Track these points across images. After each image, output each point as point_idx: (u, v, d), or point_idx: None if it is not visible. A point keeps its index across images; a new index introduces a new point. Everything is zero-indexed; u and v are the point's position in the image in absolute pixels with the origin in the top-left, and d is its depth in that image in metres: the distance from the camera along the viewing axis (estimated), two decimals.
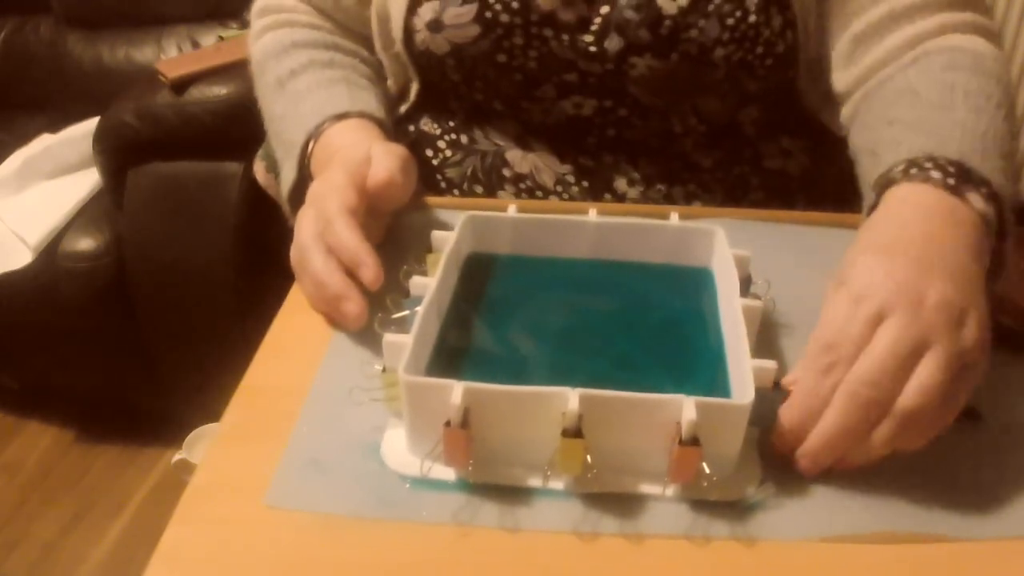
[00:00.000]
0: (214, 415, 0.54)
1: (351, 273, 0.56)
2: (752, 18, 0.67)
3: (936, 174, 0.54)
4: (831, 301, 0.48)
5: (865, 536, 0.45)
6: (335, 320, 0.58)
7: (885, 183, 0.56)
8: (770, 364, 0.47)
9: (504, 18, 0.70)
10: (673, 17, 0.67)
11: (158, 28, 1.82)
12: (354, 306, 0.55)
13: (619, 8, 0.68)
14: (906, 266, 0.47)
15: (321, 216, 0.58)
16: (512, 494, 0.46)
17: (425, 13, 0.72)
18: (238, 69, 1.39)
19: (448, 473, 0.47)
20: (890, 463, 0.48)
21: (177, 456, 1.36)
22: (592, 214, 0.61)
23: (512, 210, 0.62)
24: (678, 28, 0.67)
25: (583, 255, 0.62)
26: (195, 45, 1.77)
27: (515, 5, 0.69)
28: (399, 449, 0.49)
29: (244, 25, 1.72)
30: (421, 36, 0.73)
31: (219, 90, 1.38)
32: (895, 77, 0.67)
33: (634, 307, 0.58)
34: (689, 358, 0.53)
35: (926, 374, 0.44)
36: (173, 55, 1.77)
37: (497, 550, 0.44)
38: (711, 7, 0.67)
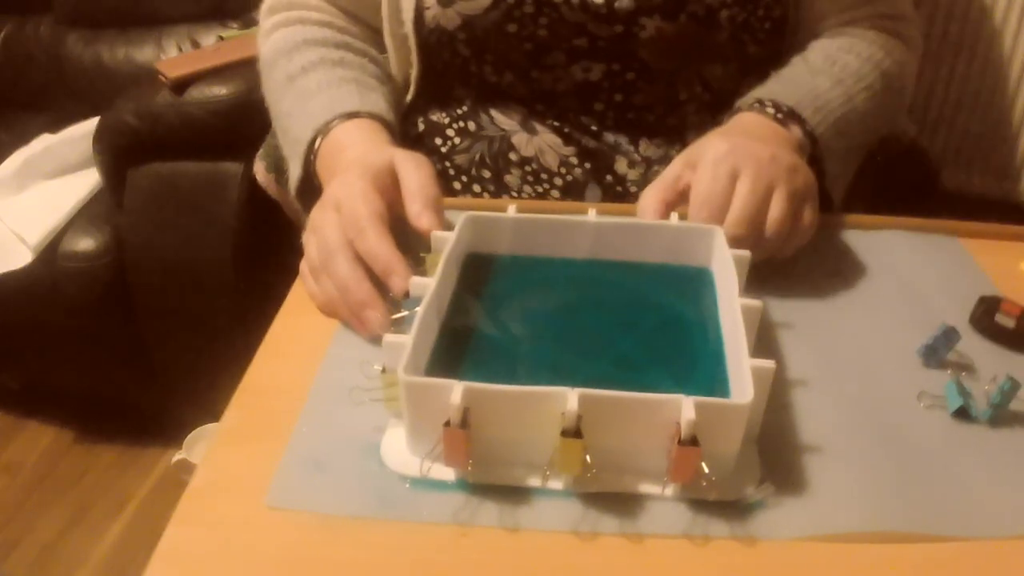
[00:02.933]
0: (214, 415, 0.54)
1: (375, 280, 0.56)
2: None
3: (770, 109, 0.70)
4: (702, 171, 0.60)
5: (865, 536, 0.45)
6: (352, 325, 0.58)
7: (734, 112, 0.72)
8: (769, 364, 0.47)
9: None
10: None
11: (158, 28, 1.81)
12: (379, 314, 0.56)
13: None
14: (743, 139, 0.63)
15: (352, 224, 0.57)
16: (512, 494, 0.46)
17: None
18: (238, 69, 1.39)
19: (448, 473, 0.47)
20: (890, 463, 0.49)
21: (177, 456, 1.36)
22: (591, 214, 0.61)
23: (511, 210, 0.62)
24: None
25: (582, 255, 0.62)
26: (195, 45, 1.77)
27: None
28: (399, 449, 0.49)
29: (244, 25, 1.72)
30: (432, 12, 0.75)
31: (219, 90, 1.37)
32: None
33: (633, 307, 0.58)
34: (688, 358, 0.53)
35: (777, 208, 0.60)
36: (173, 55, 1.76)
37: (497, 550, 0.44)
38: None
